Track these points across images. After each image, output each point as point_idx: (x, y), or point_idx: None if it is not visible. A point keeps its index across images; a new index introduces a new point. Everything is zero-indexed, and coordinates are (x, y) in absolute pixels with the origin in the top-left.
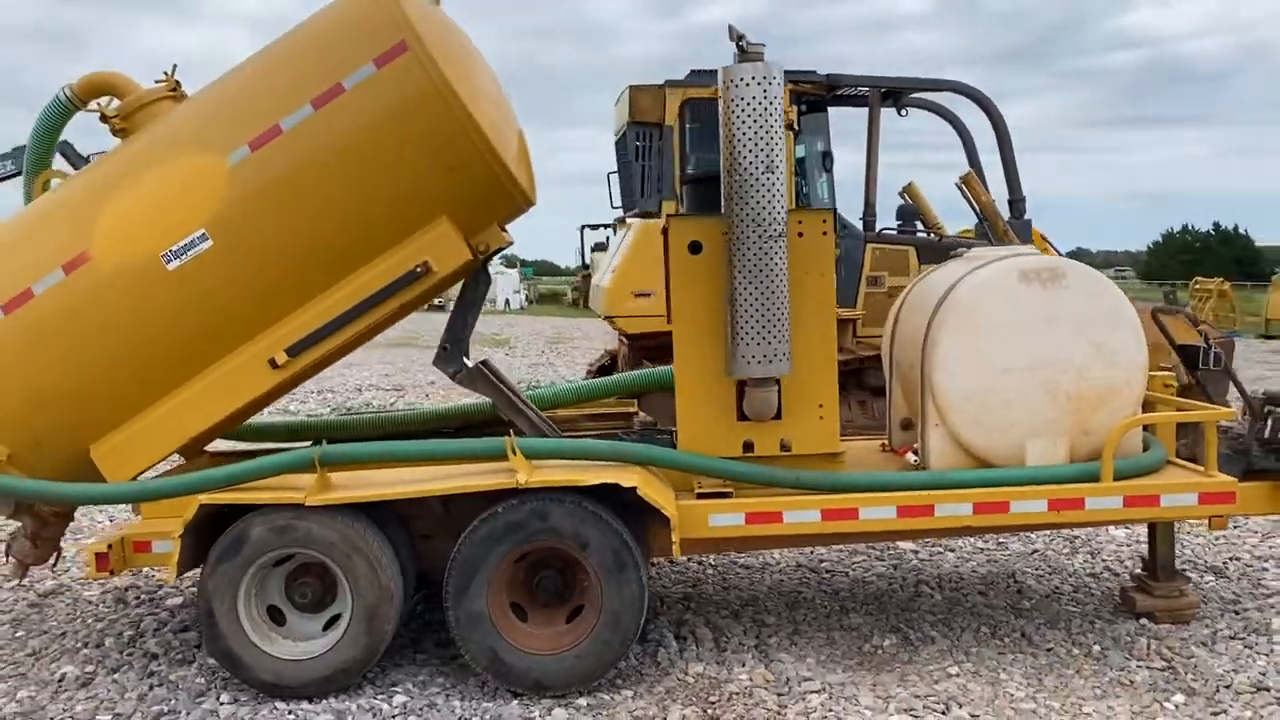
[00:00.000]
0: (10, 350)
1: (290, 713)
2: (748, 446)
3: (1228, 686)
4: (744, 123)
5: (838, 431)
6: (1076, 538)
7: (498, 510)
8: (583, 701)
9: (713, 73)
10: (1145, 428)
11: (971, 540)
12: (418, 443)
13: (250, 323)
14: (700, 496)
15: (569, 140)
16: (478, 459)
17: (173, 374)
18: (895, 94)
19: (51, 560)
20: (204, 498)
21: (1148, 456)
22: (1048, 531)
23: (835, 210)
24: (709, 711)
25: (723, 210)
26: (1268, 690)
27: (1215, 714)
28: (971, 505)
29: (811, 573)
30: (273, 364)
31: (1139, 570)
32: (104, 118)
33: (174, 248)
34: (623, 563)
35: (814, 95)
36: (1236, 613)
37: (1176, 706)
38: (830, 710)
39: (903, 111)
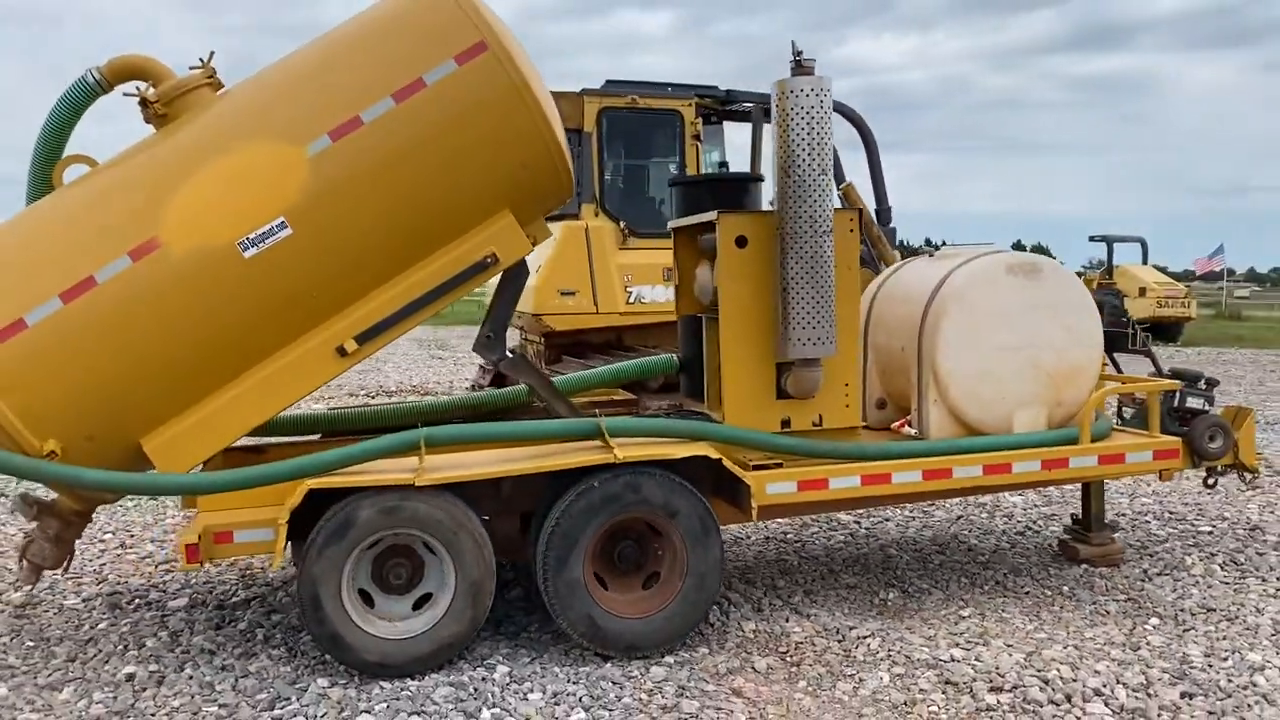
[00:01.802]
0: (69, 340)
1: (404, 689)
2: (785, 422)
3: (1183, 610)
4: (800, 129)
5: (860, 408)
6: (985, 503)
7: (594, 484)
8: (670, 659)
9: (626, 83)
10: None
11: (906, 509)
12: (515, 424)
13: (319, 311)
14: (756, 468)
15: None
16: (569, 438)
17: (236, 364)
18: None
19: (65, 564)
20: (312, 482)
21: (1102, 424)
22: (971, 498)
23: None
24: (787, 658)
25: (776, 208)
26: (1214, 610)
27: (1185, 630)
28: (981, 467)
29: (783, 544)
30: (341, 352)
31: (1072, 525)
32: (145, 102)
33: (251, 235)
34: (706, 528)
35: (712, 109)
36: (1152, 555)
37: (1154, 627)
38: (890, 649)
39: None
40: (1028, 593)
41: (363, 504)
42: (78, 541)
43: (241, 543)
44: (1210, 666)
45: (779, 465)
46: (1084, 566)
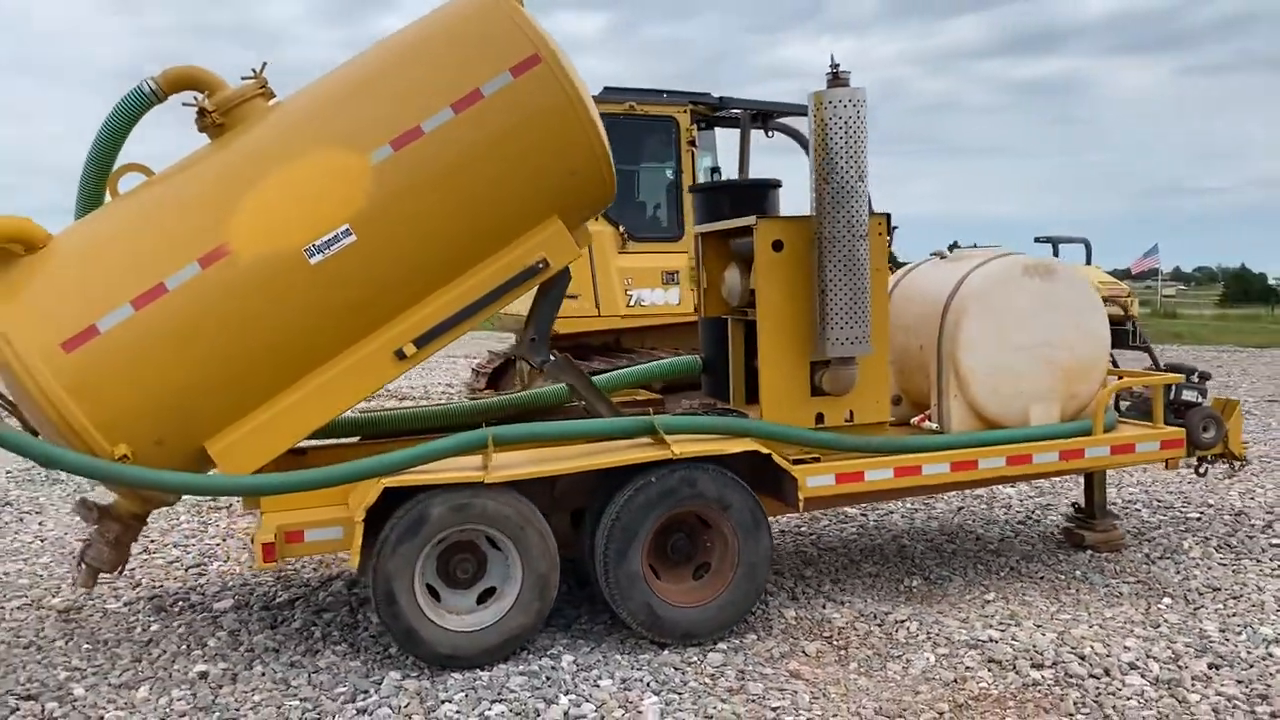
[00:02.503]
0: (141, 346)
1: (477, 679)
2: (819, 418)
3: (1190, 590)
4: (839, 138)
5: (889, 403)
6: (982, 495)
7: (651, 480)
8: (723, 646)
9: (623, 90)
10: None
11: (908, 501)
12: (576, 422)
13: (379, 316)
14: (796, 463)
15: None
16: (625, 436)
17: (299, 368)
18: (765, 116)
19: (120, 568)
20: (387, 481)
21: (1110, 416)
22: (963, 491)
23: None
24: (834, 642)
25: (814, 213)
26: (1219, 589)
27: (1197, 608)
28: (1005, 459)
29: (799, 536)
30: (400, 355)
31: (1075, 513)
32: (203, 112)
33: (317, 242)
34: (756, 520)
35: (705, 115)
36: (1150, 540)
37: (1167, 606)
38: (929, 631)
39: (769, 134)
40: (1043, 577)
41: (434, 501)
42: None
43: (312, 541)
44: (1227, 640)
45: (816, 460)
46: (1089, 552)
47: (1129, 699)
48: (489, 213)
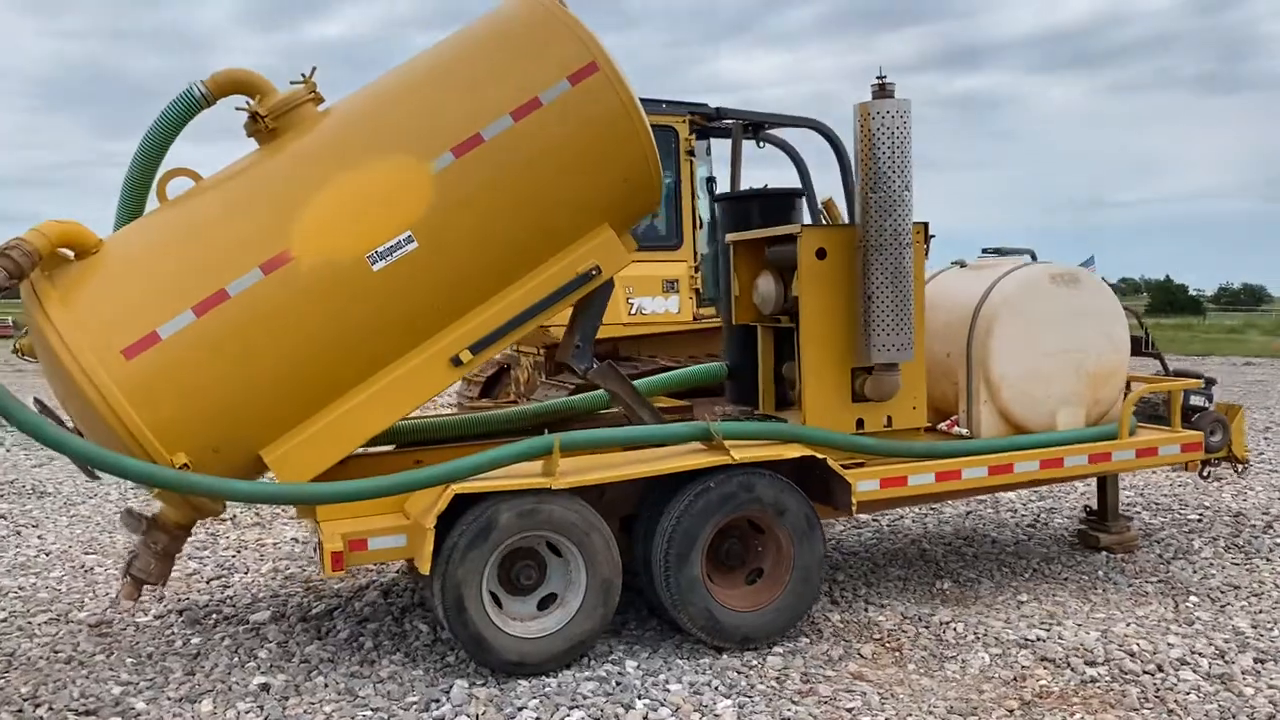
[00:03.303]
0: (201, 353)
1: (546, 685)
2: (859, 423)
3: (1212, 588)
4: (885, 149)
5: (925, 409)
6: (985, 500)
7: (710, 485)
8: (779, 650)
9: None
10: None
11: (916, 510)
12: (637, 428)
13: (436, 323)
14: (844, 468)
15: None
16: (685, 441)
17: (357, 375)
18: (757, 127)
19: (166, 579)
20: (458, 487)
21: (1131, 421)
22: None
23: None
24: (887, 645)
25: (859, 222)
26: (1239, 588)
27: (1223, 606)
28: (1039, 462)
29: None
30: (455, 361)
31: (1087, 515)
32: (256, 116)
33: (380, 249)
34: (811, 525)
35: (701, 125)
36: (1159, 542)
37: (1195, 604)
38: (976, 632)
39: (760, 145)
40: (1067, 579)
41: (503, 507)
42: (112, 561)
43: (376, 549)
44: (1262, 636)
45: (860, 465)
46: (1104, 553)
47: (1187, 694)
48: (545, 220)
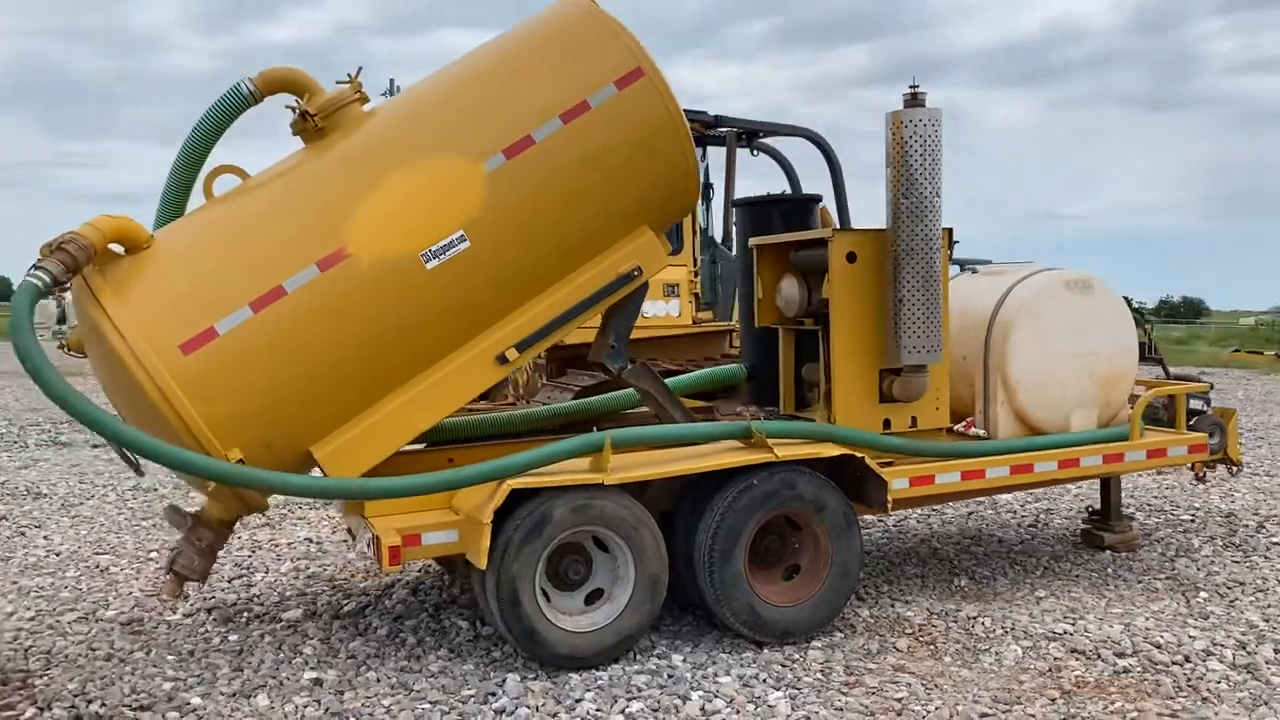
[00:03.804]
0: (258, 348)
1: (598, 678)
2: (885, 424)
3: (1219, 584)
4: (918, 156)
5: (948, 410)
6: (983, 502)
7: (753, 482)
8: (817, 644)
9: None
10: None
11: (920, 511)
12: (684, 425)
13: (483, 321)
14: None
15: (118, 155)
16: (727, 439)
17: (407, 372)
18: (751, 135)
19: (207, 575)
20: (512, 482)
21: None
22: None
23: (711, 236)
24: (920, 639)
25: (890, 227)
26: (1244, 584)
27: (1233, 602)
28: (1057, 462)
29: None
30: (501, 359)
31: (1091, 516)
32: (305, 115)
33: (434, 247)
34: (849, 521)
35: (700, 133)
36: (1160, 541)
37: (1205, 600)
38: (1003, 626)
39: (754, 153)
40: (1078, 575)
41: (557, 503)
42: (127, 561)
43: (429, 545)
44: (1276, 629)
45: (889, 464)
46: (1109, 552)
47: (1218, 683)
48: (590, 221)
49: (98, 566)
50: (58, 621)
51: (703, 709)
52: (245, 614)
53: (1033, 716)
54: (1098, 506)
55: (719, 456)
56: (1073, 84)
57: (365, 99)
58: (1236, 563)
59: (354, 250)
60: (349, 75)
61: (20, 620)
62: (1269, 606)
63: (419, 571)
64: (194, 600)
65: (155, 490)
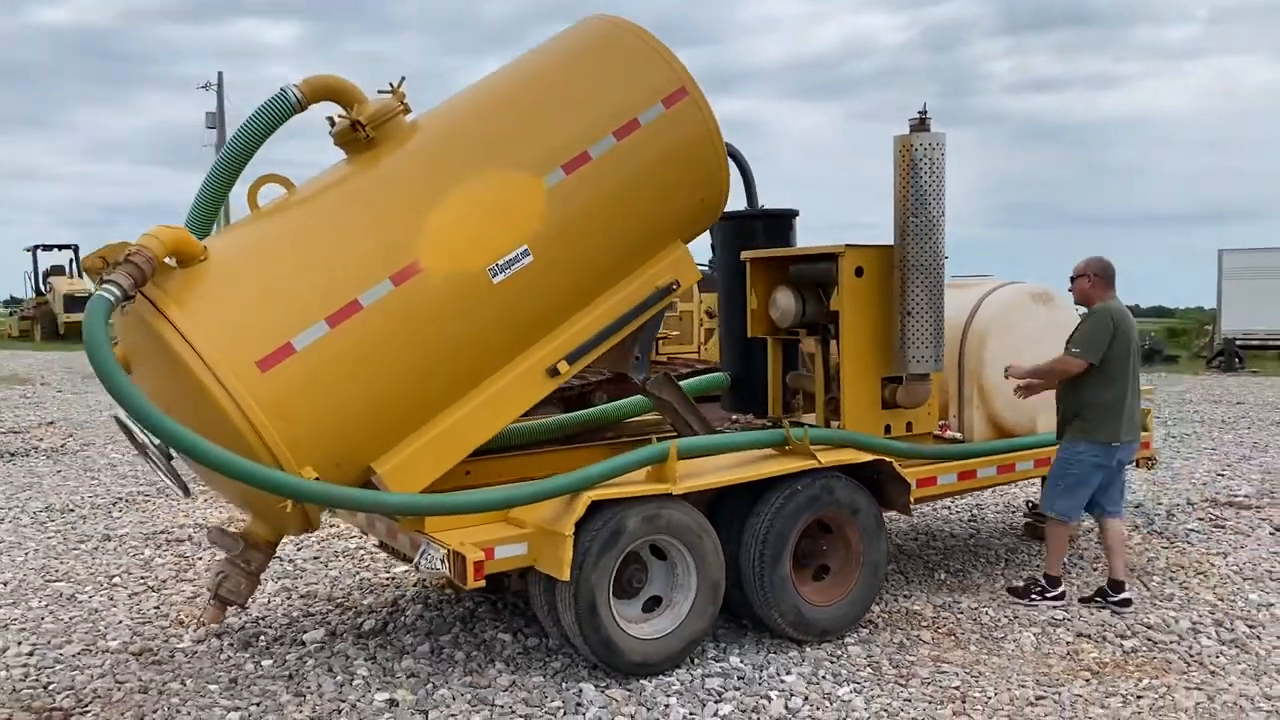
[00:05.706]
0: (334, 365)
1: (671, 684)
2: (886, 429)
3: (1165, 569)
4: (926, 176)
5: (938, 415)
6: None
7: (797, 487)
8: (850, 639)
9: None
10: None
11: None
12: (738, 434)
13: (537, 334)
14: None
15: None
16: (767, 446)
17: (467, 386)
18: None
19: (251, 598)
20: (589, 494)
21: None
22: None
23: None
24: (939, 630)
25: (897, 243)
26: (1184, 568)
27: (1183, 584)
28: (1033, 461)
29: None
30: (553, 372)
31: (1030, 510)
32: (356, 125)
33: (500, 262)
34: (879, 523)
35: None
36: (1091, 533)
37: (1160, 583)
38: (1006, 615)
39: None
40: (1039, 566)
41: (630, 513)
42: (92, 588)
43: (502, 558)
44: (1234, 606)
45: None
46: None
47: (1216, 656)
48: (636, 235)
49: (61, 595)
50: (61, 655)
51: (786, 707)
52: (262, 638)
53: (1079, 697)
54: (1037, 502)
55: (767, 464)
56: (865, 97)
57: (408, 110)
58: (1166, 548)
59: (426, 264)
60: (391, 85)
61: (19, 656)
62: (1216, 586)
63: (416, 586)
64: (194, 627)
65: (73, 510)
